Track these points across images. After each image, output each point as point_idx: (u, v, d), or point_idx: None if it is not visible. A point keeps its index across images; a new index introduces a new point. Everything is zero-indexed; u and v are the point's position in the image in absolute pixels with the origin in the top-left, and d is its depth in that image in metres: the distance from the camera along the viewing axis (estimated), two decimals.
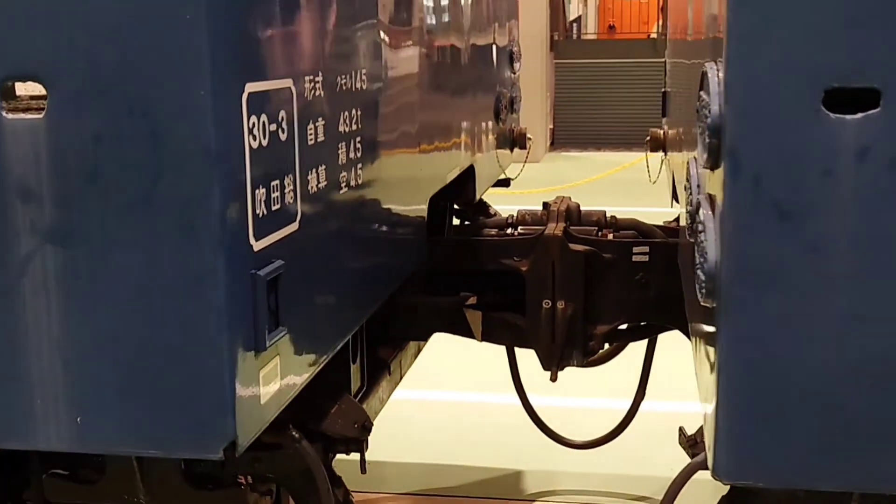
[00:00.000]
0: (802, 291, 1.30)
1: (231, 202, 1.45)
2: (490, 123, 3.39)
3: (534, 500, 3.92)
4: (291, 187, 1.65)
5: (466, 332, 2.94)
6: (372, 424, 2.18)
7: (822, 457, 1.33)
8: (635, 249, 2.75)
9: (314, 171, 1.75)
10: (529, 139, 3.79)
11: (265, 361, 1.60)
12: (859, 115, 1.26)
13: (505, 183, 3.77)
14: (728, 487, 2.01)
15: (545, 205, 2.92)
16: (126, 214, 1.44)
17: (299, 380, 1.75)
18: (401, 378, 3.03)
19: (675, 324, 2.83)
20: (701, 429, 2.10)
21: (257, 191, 1.52)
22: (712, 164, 1.35)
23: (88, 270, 1.48)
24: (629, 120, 13.74)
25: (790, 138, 1.28)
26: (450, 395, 4.99)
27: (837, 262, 1.29)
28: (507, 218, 2.96)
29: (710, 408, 1.41)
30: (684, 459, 4.21)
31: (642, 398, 3.55)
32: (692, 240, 1.61)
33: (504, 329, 2.87)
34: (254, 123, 1.51)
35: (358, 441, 2.10)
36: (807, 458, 1.33)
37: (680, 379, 4.21)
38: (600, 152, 14.43)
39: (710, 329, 1.44)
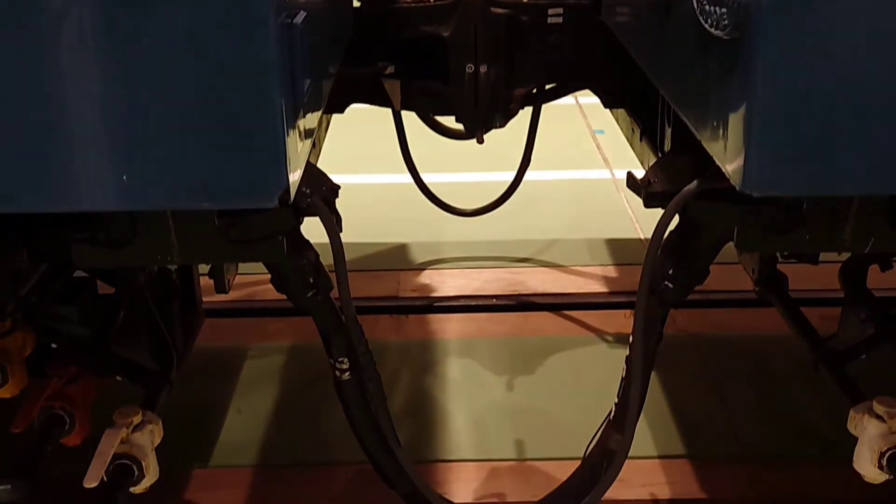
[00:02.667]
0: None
1: None
2: None
3: (423, 269, 4.11)
4: None
5: (384, 103, 2.98)
6: (339, 188, 2.22)
7: (844, 166, 1.49)
8: (550, 11, 2.82)
9: None
10: None
11: (300, 111, 1.61)
12: None
13: None
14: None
15: None
16: None
17: (313, 132, 1.77)
18: (319, 152, 3.06)
19: (587, 84, 2.97)
20: (653, 169, 2.26)
21: None
22: None
23: (135, 18, 1.43)
24: None
25: None
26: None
27: None
28: None
29: (737, 126, 1.53)
30: (559, 225, 4.50)
31: (527, 166, 3.73)
32: None
33: (424, 97, 2.91)
34: None
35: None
36: (829, 168, 1.50)
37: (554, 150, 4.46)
38: None
39: (727, 59, 1.55)
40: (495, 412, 3.17)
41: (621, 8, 2.45)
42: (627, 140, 3.07)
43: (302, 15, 1.57)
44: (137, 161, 1.48)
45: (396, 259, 4.19)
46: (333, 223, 1.89)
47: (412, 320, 3.74)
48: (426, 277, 4.04)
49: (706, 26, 1.58)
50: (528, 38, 2.84)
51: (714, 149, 1.65)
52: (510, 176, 3.64)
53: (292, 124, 1.55)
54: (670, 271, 2.18)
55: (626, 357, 2.29)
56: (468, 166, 5.00)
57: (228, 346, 3.56)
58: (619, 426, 2.29)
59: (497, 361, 3.45)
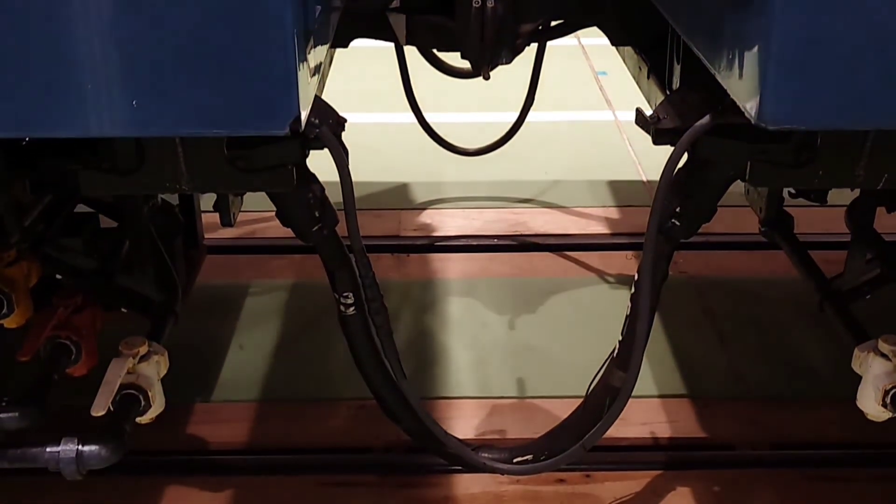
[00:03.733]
0: None
1: None
2: None
3: (424, 208, 4.10)
4: None
5: (389, 38, 2.94)
6: (345, 121, 2.20)
7: (861, 100, 1.48)
8: None
9: None
10: None
11: (311, 39, 1.59)
12: None
13: None
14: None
15: None
16: None
17: (322, 62, 1.75)
18: (324, 87, 3.02)
19: (595, 20, 2.93)
20: (662, 105, 2.24)
21: None
22: None
23: None
24: None
25: None
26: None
27: None
28: None
29: (754, 59, 1.51)
30: (561, 166, 4.48)
31: (530, 106, 3.69)
32: None
33: (430, 31, 2.87)
34: None
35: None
36: (846, 102, 1.48)
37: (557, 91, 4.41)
38: None
39: None
40: (497, 351, 3.18)
41: None
42: (634, 78, 3.04)
43: None
44: (147, 87, 1.46)
45: (397, 198, 4.17)
46: (342, 154, 1.87)
47: (413, 259, 3.73)
48: (427, 217, 4.03)
49: None
50: None
51: (729, 83, 1.63)
52: (512, 116, 3.61)
53: (303, 51, 1.53)
54: (678, 209, 2.18)
55: (631, 296, 2.30)
56: (469, 106, 4.97)
57: (230, 282, 3.56)
58: (622, 364, 2.30)
59: (498, 301, 3.46)
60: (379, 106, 4.97)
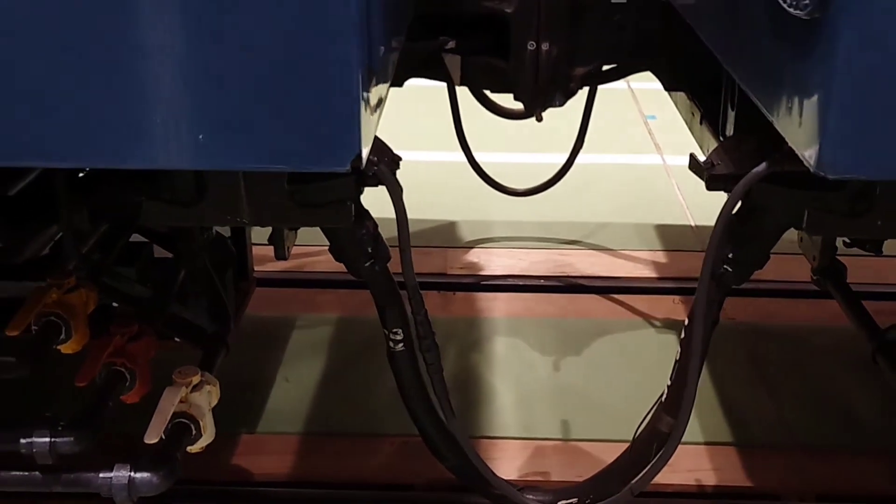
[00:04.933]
0: None
1: None
2: None
3: (471, 247, 4.12)
4: None
5: (443, 78, 2.98)
6: (401, 159, 2.23)
7: None
8: None
9: None
10: None
11: (374, 78, 1.61)
12: None
13: None
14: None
15: None
16: None
17: (383, 101, 1.78)
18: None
19: (647, 65, 2.95)
20: (716, 151, 2.25)
21: None
22: None
23: None
24: None
25: None
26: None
27: None
28: None
29: (814, 107, 1.52)
30: (608, 208, 4.48)
31: (580, 148, 3.71)
32: None
33: (484, 73, 2.91)
34: None
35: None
36: None
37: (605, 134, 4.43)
38: None
39: (805, 39, 1.53)
40: (541, 391, 3.17)
41: None
42: (686, 123, 3.05)
43: None
44: (215, 122, 1.50)
45: (444, 236, 4.19)
46: (399, 191, 1.90)
47: (459, 297, 3.74)
48: (474, 256, 4.04)
49: (784, 6, 1.56)
50: (592, 18, 2.82)
51: (787, 130, 1.63)
52: (558, 158, 3.63)
53: (367, 90, 1.55)
54: (730, 255, 2.17)
55: (681, 340, 2.29)
56: (516, 147, 4.99)
57: (277, 315, 3.59)
58: (671, 409, 2.29)
59: (544, 341, 3.45)
60: (426, 144, 5.02)
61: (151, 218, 1.81)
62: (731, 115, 2.55)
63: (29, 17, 1.46)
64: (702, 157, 2.31)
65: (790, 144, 1.62)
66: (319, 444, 2.92)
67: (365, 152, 1.57)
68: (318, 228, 2.08)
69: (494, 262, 3.98)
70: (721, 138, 2.64)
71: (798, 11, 1.52)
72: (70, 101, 1.50)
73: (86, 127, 1.51)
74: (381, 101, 1.77)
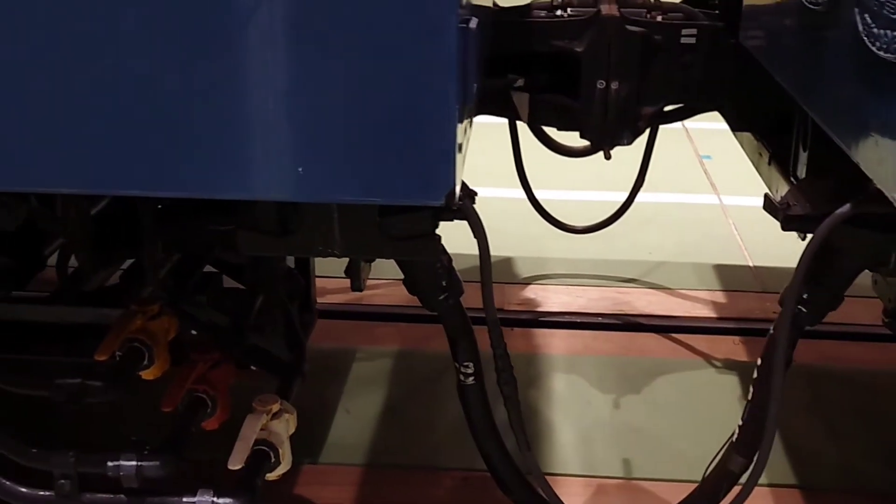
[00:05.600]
0: None
1: None
2: None
3: (528, 283, 4.13)
4: None
5: (511, 115, 3.01)
6: (476, 194, 2.26)
7: None
8: (684, 31, 2.82)
9: None
10: None
11: (465, 115, 1.65)
12: None
13: None
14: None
15: None
16: None
17: (467, 134, 1.81)
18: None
19: (714, 105, 2.96)
20: (791, 192, 2.25)
21: None
22: None
23: (317, 18, 1.48)
24: None
25: None
26: None
27: None
28: (552, 0, 2.97)
29: None
30: (665, 247, 4.47)
31: (640, 187, 3.73)
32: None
33: (552, 111, 2.94)
34: None
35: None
36: None
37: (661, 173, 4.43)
38: None
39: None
40: (602, 429, 3.17)
41: (764, 30, 2.44)
42: (753, 164, 3.05)
43: (475, 21, 1.62)
44: (315, 154, 1.54)
45: (502, 272, 4.21)
46: (482, 225, 1.92)
47: (517, 333, 3.75)
48: (531, 292, 4.06)
49: (873, 49, 1.58)
50: (661, 58, 2.85)
51: (875, 171, 1.64)
52: (614, 195, 3.64)
53: (461, 126, 1.59)
54: (805, 295, 2.17)
55: (753, 380, 2.29)
56: (568, 185, 5.00)
57: (337, 346, 3.62)
58: (742, 449, 2.28)
59: (603, 379, 3.45)
60: (483, 181, 5.04)
61: (248, 247, 1.85)
62: (804, 155, 2.56)
63: (134, 54, 1.52)
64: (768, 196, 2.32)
65: (878, 185, 1.63)
66: (381, 476, 2.93)
67: (458, 186, 1.60)
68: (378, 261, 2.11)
69: (552, 298, 3.99)
70: (792, 179, 2.64)
71: (889, 55, 1.54)
72: (174, 133, 1.54)
73: (188, 158, 1.56)
74: (468, 135, 1.81)
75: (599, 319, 3.82)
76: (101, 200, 2.31)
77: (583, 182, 5.01)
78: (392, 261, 2.11)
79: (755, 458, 2.11)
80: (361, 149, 1.52)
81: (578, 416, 3.24)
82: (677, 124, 3.33)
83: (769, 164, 2.87)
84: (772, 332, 2.23)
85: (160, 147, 1.54)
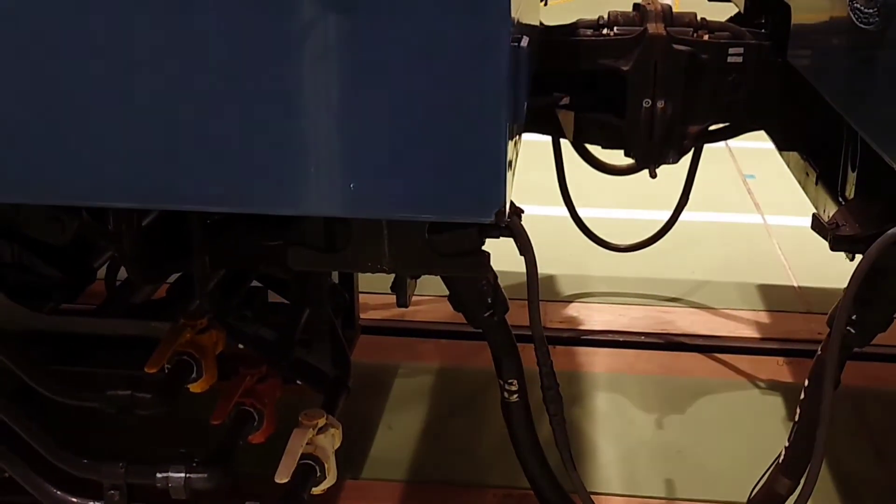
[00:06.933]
0: None
1: None
2: None
3: (570, 301, 4.12)
4: None
5: (556, 133, 3.02)
6: (523, 212, 2.26)
7: None
8: (731, 50, 2.82)
9: None
10: None
11: (515, 133, 1.66)
12: None
13: None
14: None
15: (636, 6, 2.95)
16: None
17: (517, 151, 1.82)
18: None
19: (761, 124, 2.95)
20: (841, 212, 2.24)
21: None
22: None
23: (370, 36, 1.50)
24: None
25: None
26: None
27: None
28: (598, 19, 2.98)
29: None
30: (708, 266, 4.43)
31: (684, 206, 3.71)
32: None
33: (598, 129, 2.94)
34: None
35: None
36: None
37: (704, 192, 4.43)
38: None
39: None
40: (644, 449, 3.15)
41: (814, 49, 2.43)
42: (800, 184, 3.03)
43: (525, 40, 1.63)
44: (367, 171, 1.55)
45: (543, 289, 4.15)
46: (529, 242, 1.92)
47: (558, 351, 3.74)
48: (573, 310, 4.05)
49: None
50: (707, 76, 2.84)
51: None
52: (653, 214, 3.62)
53: (511, 143, 1.60)
54: (853, 317, 2.15)
55: (800, 401, 2.27)
56: (610, 203, 5.00)
57: (379, 362, 3.63)
58: (789, 471, 2.26)
59: (645, 399, 3.43)
60: (524, 198, 5.05)
61: (299, 262, 1.87)
62: (852, 175, 2.54)
63: (192, 73, 1.54)
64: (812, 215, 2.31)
65: None
66: (422, 492, 2.94)
67: (508, 204, 1.61)
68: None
69: (594, 317, 3.98)
70: (840, 199, 2.62)
71: None
72: (230, 150, 1.57)
73: (243, 174, 1.58)
74: (517, 156, 1.82)
75: (642, 338, 3.81)
76: (150, 215, 2.34)
77: (625, 200, 5.00)
78: (434, 278, 2.13)
79: (802, 481, 2.09)
80: (413, 165, 1.54)
81: (621, 435, 3.23)
82: (720, 143, 3.32)
83: (816, 183, 2.85)
84: (819, 353, 2.21)
85: (216, 163, 1.56)
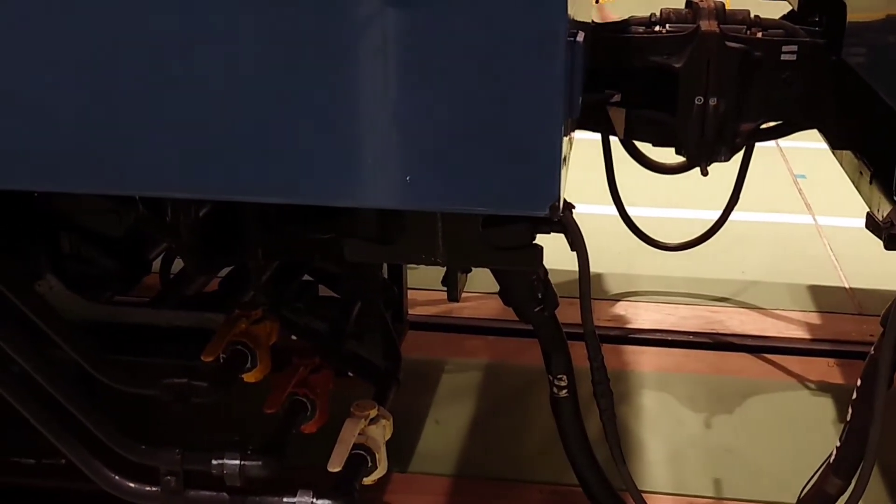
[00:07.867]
0: None
1: None
2: None
3: (618, 300, 4.12)
4: None
5: (607, 130, 3.01)
6: (574, 207, 2.27)
7: None
8: (784, 48, 2.80)
9: None
10: None
11: (570, 127, 1.67)
12: None
13: None
14: None
15: (689, 3, 2.95)
16: None
17: (571, 146, 1.83)
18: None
19: (814, 122, 2.93)
20: (894, 210, 2.22)
21: None
22: None
23: (428, 31, 1.52)
24: None
25: None
26: None
27: None
28: (650, 16, 2.98)
29: None
30: (758, 266, 4.40)
31: (734, 205, 3.69)
32: None
33: (649, 126, 2.93)
34: None
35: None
36: None
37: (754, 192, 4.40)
38: None
39: None
40: (692, 448, 3.14)
41: (870, 46, 2.41)
42: (853, 183, 3.00)
43: (581, 35, 1.64)
44: (424, 164, 1.57)
45: (592, 288, 4.18)
46: (582, 237, 1.93)
47: (606, 349, 3.72)
48: (621, 308, 4.04)
49: None
50: (760, 74, 2.82)
51: None
52: (702, 214, 3.61)
53: (566, 138, 1.61)
54: None
55: (852, 401, 2.25)
56: (659, 202, 4.98)
57: (427, 358, 3.65)
58: (840, 471, 2.25)
59: (694, 398, 3.42)
60: (573, 196, 5.05)
61: (355, 254, 1.89)
62: None
63: (250, 66, 1.57)
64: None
65: None
66: (469, 486, 2.95)
67: (561, 199, 1.62)
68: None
69: (642, 315, 3.97)
70: (895, 198, 2.60)
71: None
72: (287, 141, 1.60)
73: (301, 165, 1.61)
74: (571, 150, 1.83)
75: (691, 338, 3.79)
76: (205, 206, 2.38)
77: (674, 199, 4.98)
78: (483, 273, 2.14)
79: (854, 481, 2.07)
80: (469, 158, 1.56)
81: (669, 433, 3.22)
82: (771, 143, 3.29)
83: (871, 182, 2.82)
84: (872, 353, 2.20)
85: (275, 155, 1.59)
